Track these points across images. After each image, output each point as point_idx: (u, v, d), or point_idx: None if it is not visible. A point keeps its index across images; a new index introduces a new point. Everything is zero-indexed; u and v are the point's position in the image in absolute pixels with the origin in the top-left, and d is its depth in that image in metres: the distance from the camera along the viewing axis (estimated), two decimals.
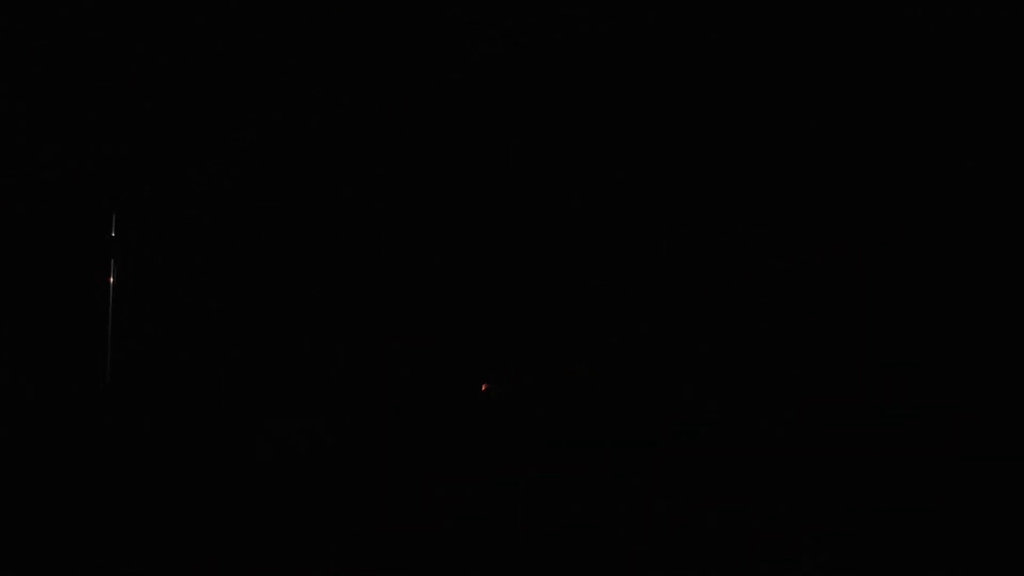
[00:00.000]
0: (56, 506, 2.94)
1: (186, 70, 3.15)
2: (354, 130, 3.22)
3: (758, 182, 3.14)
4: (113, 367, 3.12)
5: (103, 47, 3.10)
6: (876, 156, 3.09)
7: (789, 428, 3.01)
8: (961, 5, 3.00)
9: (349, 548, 2.92)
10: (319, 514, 2.99)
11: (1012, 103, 3.01)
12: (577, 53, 3.17)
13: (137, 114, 3.15)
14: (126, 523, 2.94)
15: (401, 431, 3.12)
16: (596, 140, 3.21)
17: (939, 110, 3.06)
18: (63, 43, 3.08)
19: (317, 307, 3.18)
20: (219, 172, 3.19)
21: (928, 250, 3.03)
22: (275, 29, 3.15)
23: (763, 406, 3.04)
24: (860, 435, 2.96)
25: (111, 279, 3.15)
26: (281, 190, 3.20)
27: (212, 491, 3.02)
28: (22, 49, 3.06)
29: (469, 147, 3.23)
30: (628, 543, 2.92)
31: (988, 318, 2.97)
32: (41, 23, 3.06)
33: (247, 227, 3.19)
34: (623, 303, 3.17)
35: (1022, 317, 2.95)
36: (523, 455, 3.08)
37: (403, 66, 3.19)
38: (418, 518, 2.98)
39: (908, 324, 3.00)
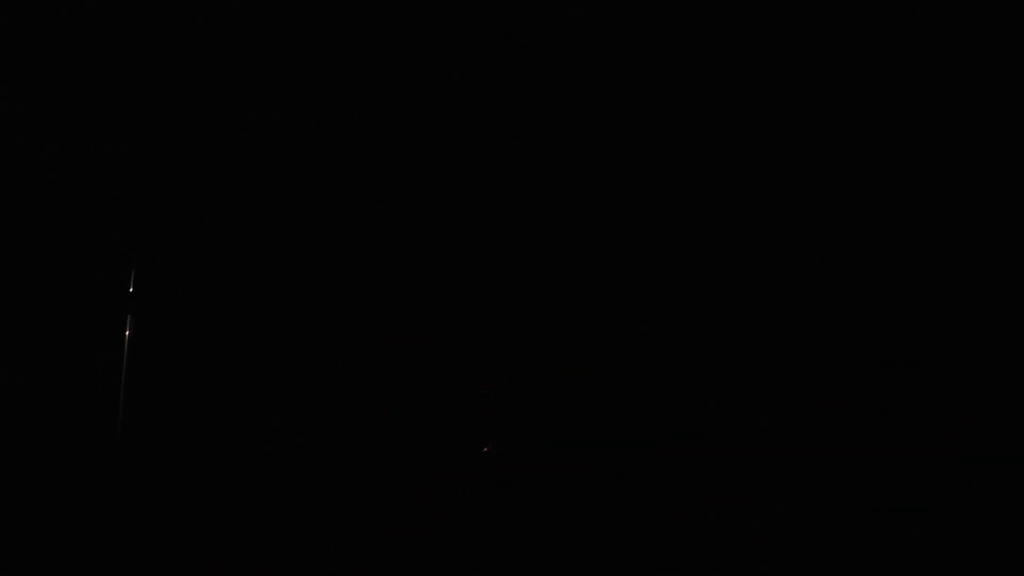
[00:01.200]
0: (56, 506, 2.94)
1: (186, 70, 3.15)
2: (354, 130, 3.22)
3: (758, 182, 3.14)
4: (112, 367, 3.12)
5: (103, 47, 3.10)
6: (876, 156, 3.09)
7: (789, 428, 3.01)
8: (961, 5, 3.00)
9: (349, 548, 2.92)
10: (319, 514, 2.99)
11: (1012, 103, 3.01)
12: (577, 53, 3.17)
13: (137, 114, 3.15)
14: (126, 523, 2.94)
15: (401, 431, 3.11)
16: (596, 140, 3.21)
17: (939, 110, 3.06)
18: (63, 43, 3.08)
19: (317, 307, 3.18)
20: (219, 172, 3.19)
21: (928, 250, 3.03)
22: (275, 29, 3.15)
23: (763, 406, 3.04)
24: (860, 435, 2.96)
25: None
26: (281, 190, 3.20)
27: (212, 491, 3.02)
28: (22, 49, 3.06)
29: (469, 147, 3.23)
30: (628, 543, 2.92)
31: (988, 318, 2.97)
32: (41, 23, 3.06)
33: (247, 227, 3.19)
34: (623, 303, 3.17)
35: (1022, 317, 2.95)
36: (523, 455, 3.08)
37: (403, 66, 3.19)
38: (418, 518, 2.98)
39: (908, 324, 3.00)
